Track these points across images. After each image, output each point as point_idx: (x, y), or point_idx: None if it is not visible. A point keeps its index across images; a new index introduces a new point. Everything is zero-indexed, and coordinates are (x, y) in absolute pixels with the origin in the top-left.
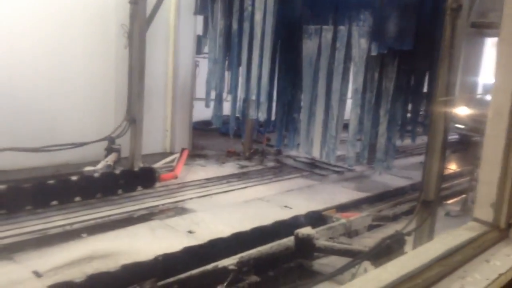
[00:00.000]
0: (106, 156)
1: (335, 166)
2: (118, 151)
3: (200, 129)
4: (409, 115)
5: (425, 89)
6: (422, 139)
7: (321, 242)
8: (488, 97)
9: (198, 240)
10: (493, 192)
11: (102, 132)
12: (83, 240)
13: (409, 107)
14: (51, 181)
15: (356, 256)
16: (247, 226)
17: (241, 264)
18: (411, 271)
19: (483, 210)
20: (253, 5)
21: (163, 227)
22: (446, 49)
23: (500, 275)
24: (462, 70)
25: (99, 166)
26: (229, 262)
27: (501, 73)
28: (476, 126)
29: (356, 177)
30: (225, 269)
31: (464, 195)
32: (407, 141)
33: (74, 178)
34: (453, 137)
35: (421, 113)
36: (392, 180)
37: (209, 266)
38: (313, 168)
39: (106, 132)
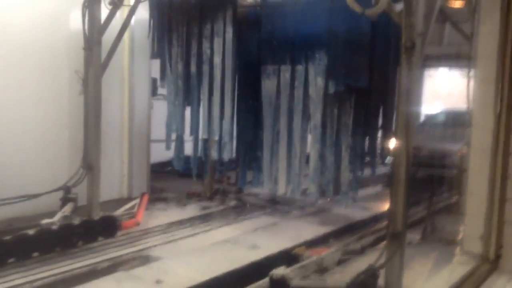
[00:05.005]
0: (62, 206)
1: (296, 200)
2: (74, 200)
3: (158, 171)
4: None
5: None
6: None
7: (296, 282)
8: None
9: None
10: (481, 225)
11: (55, 181)
12: None
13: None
14: (7, 237)
15: None
16: (217, 270)
17: None
18: None
19: (472, 243)
20: (211, 48)
21: (130, 278)
22: (403, 85)
23: None
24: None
25: (56, 217)
26: None
27: (481, 111)
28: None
29: (318, 211)
30: None
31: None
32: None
33: (31, 232)
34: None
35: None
36: (353, 212)
37: None
38: (275, 204)
39: (60, 181)
